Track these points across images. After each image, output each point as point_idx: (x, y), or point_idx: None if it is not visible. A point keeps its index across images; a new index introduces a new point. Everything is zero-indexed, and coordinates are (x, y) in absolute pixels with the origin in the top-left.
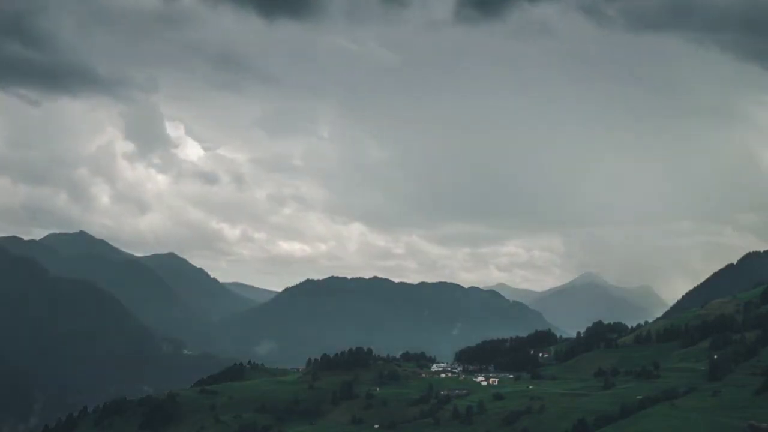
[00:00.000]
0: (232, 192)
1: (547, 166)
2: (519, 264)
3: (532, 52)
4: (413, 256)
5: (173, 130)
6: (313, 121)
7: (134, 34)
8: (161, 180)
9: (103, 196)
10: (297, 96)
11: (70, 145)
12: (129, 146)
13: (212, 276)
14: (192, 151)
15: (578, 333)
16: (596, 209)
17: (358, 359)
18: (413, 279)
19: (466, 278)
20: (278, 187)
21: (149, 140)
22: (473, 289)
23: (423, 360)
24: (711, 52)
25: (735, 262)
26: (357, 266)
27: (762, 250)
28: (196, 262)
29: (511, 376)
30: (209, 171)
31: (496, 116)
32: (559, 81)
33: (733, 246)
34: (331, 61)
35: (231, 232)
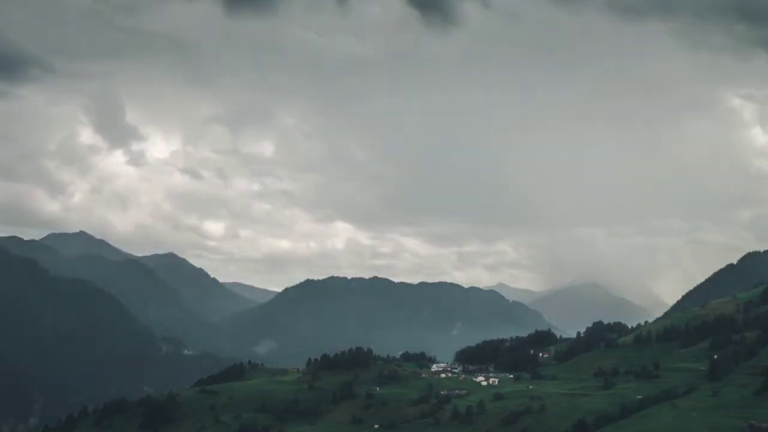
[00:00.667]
0: (207, 187)
1: (526, 163)
2: (507, 264)
3: (506, 44)
4: (399, 255)
5: (139, 124)
6: (285, 115)
7: (92, 25)
8: (133, 175)
9: (77, 191)
10: (264, 89)
11: (42, 138)
12: (98, 140)
13: (212, 276)
14: (161, 147)
15: (578, 333)
16: (582, 208)
17: (358, 359)
18: (405, 278)
19: (455, 277)
20: (253, 183)
21: (116, 135)
22: (473, 289)
23: (423, 360)
24: (693, 43)
25: (735, 262)
26: (345, 265)
27: (762, 250)
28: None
29: (511, 376)
30: (181, 166)
31: (470, 111)
32: (539, 74)
33: (726, 244)
34: (298, 53)
35: (213, 229)
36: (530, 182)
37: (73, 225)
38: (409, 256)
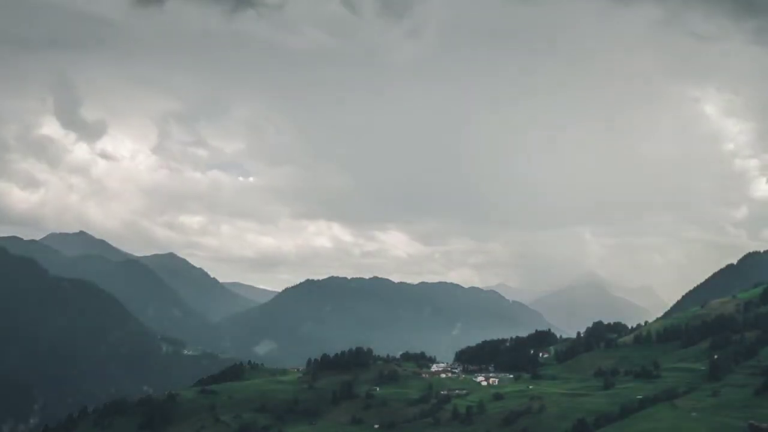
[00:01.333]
0: (182, 182)
1: (509, 161)
2: (496, 263)
3: (480, 37)
4: (384, 253)
5: (101, 117)
6: (250, 110)
7: (47, 15)
8: (104, 170)
9: (49, 187)
10: (229, 85)
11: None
12: (61, 134)
13: (212, 276)
14: (128, 141)
15: (578, 333)
16: (567, 207)
17: (358, 359)
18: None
19: (444, 277)
20: (226, 177)
21: (78, 128)
22: (473, 289)
23: (423, 360)
24: (676, 34)
25: (735, 262)
26: (332, 264)
27: (762, 250)
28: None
29: (511, 376)
30: (151, 161)
31: (441, 110)
32: (519, 71)
33: (714, 241)
34: (258, 46)
35: (194, 226)
36: (514, 180)
37: (49, 222)
38: (395, 254)
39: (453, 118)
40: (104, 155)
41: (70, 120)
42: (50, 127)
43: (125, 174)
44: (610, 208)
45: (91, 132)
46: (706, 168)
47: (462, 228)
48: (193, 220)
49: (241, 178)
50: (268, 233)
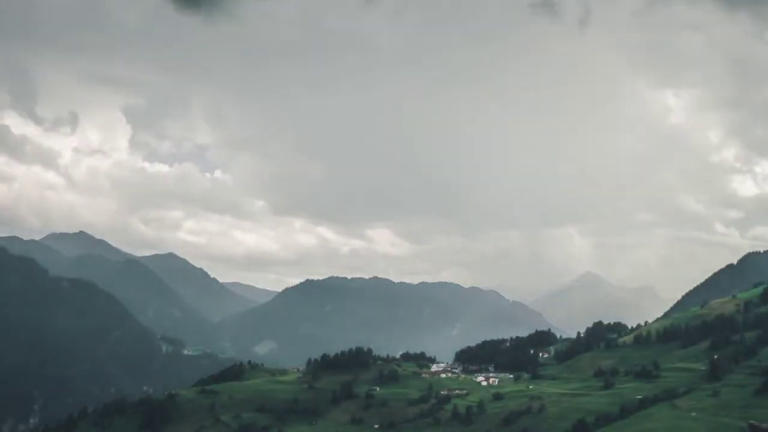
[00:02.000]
0: (158, 178)
1: (492, 160)
2: (488, 263)
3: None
4: (371, 252)
5: (69, 114)
6: (218, 108)
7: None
8: (76, 165)
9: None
10: (196, 77)
11: None
12: (26, 128)
13: (212, 276)
14: (96, 135)
15: (578, 333)
16: (553, 206)
17: (358, 359)
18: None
19: (431, 276)
20: (194, 172)
21: (43, 122)
22: (473, 289)
23: (423, 360)
24: (649, 29)
25: (735, 262)
26: (319, 263)
27: (762, 250)
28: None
29: (511, 376)
30: (121, 155)
31: (412, 107)
32: (513, 64)
33: (703, 239)
34: (229, 35)
35: (175, 222)
36: (498, 178)
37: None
38: (382, 252)
39: (438, 114)
40: (78, 150)
41: (31, 113)
42: (10, 120)
43: (94, 169)
44: (595, 206)
45: (55, 127)
46: (684, 164)
47: (450, 226)
48: (171, 216)
49: (208, 174)
50: (251, 230)
